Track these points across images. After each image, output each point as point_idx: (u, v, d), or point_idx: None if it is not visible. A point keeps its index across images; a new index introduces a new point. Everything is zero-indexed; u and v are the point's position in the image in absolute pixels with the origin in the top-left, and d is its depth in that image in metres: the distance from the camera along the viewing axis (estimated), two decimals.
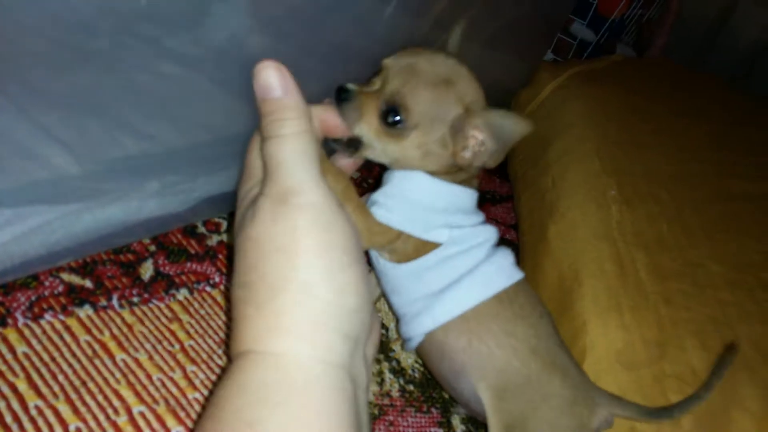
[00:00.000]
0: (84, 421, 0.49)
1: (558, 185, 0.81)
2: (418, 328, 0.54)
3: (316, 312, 0.35)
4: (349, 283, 0.37)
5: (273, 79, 0.38)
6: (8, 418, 0.47)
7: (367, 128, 0.50)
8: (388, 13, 0.65)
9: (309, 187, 0.37)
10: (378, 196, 0.53)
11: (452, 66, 0.51)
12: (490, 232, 0.56)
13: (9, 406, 0.47)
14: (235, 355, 0.35)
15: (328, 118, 0.48)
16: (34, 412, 0.48)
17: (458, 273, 0.53)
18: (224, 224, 0.71)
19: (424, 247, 0.53)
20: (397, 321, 0.59)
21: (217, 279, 0.65)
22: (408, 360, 0.68)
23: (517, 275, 0.55)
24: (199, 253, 0.66)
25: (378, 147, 0.51)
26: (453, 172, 0.53)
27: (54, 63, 0.47)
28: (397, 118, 0.49)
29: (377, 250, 0.55)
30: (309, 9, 0.58)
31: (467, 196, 0.55)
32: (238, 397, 0.33)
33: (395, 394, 0.64)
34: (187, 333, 0.58)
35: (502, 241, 0.57)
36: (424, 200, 0.53)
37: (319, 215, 0.36)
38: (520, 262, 0.57)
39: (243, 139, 0.59)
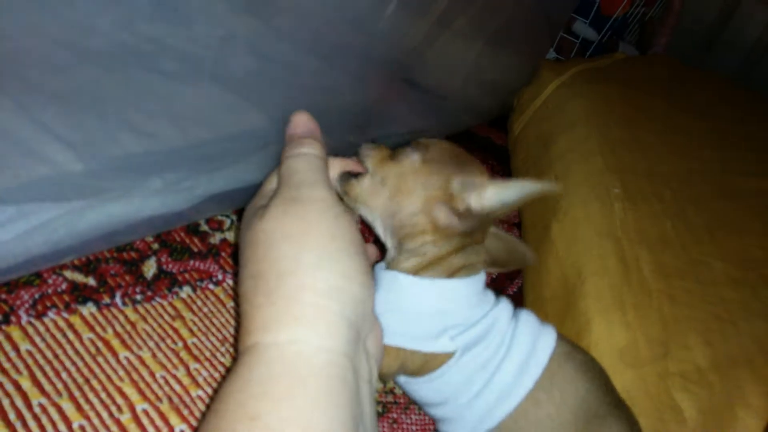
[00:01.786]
0: (87, 418, 0.49)
1: (561, 183, 0.81)
2: None
3: (322, 295, 0.36)
4: (355, 272, 0.38)
5: (302, 122, 0.47)
6: (12, 416, 0.47)
7: (375, 159, 0.53)
8: (388, 12, 0.65)
9: (318, 185, 0.41)
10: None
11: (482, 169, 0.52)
12: (503, 314, 0.51)
13: (13, 404, 0.47)
14: (242, 351, 0.36)
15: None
16: (37, 410, 0.48)
17: (481, 382, 0.49)
18: (227, 222, 0.71)
19: (434, 358, 0.49)
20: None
21: (220, 277, 0.65)
22: None
23: (546, 351, 0.50)
24: (202, 251, 0.66)
25: (372, 179, 0.51)
26: (444, 260, 0.50)
27: (55, 61, 0.47)
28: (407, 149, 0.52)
29: (393, 375, 0.51)
30: (309, 7, 0.58)
31: (467, 285, 0.50)
32: (241, 392, 0.33)
33: (398, 391, 0.64)
34: (191, 331, 0.59)
35: None
36: (417, 306, 0.49)
37: (327, 208, 0.39)
38: None
39: (245, 137, 0.59)
